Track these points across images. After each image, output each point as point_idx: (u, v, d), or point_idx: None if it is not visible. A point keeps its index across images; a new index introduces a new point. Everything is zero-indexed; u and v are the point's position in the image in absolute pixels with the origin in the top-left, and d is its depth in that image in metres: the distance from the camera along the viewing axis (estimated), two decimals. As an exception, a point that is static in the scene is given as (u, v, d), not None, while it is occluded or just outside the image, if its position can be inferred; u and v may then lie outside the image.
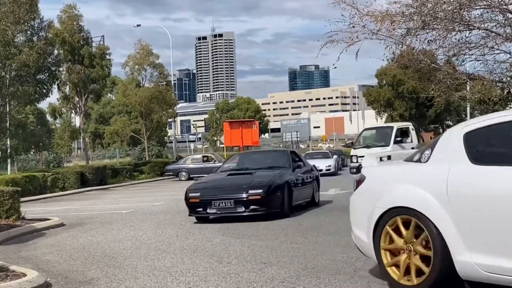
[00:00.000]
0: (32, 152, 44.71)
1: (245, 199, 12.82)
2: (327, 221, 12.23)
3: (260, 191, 12.81)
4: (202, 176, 16.68)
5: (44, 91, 23.20)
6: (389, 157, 19.63)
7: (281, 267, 7.67)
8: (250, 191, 12.86)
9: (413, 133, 21.42)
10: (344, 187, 20.53)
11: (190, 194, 13.44)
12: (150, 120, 46.08)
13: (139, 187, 31.70)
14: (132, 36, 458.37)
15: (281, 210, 13.13)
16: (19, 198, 14.30)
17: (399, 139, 20.72)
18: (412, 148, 20.57)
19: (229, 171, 15.03)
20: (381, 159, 19.98)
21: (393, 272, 5.98)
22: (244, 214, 12.80)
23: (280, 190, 13.17)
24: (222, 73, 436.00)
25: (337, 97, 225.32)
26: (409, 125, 22.54)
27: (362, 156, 20.50)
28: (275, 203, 13.02)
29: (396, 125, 21.81)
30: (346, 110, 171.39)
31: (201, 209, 13.14)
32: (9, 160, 29.47)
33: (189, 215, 13.58)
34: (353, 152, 22.43)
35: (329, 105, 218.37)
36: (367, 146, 21.76)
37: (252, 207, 12.77)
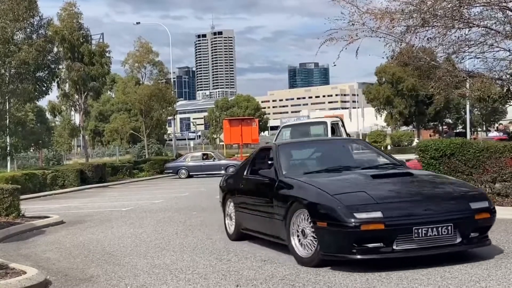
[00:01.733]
0: (31, 150, 44.78)
1: (473, 219, 7.12)
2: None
3: (487, 204, 7.36)
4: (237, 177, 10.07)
5: (44, 88, 23.27)
6: None
7: (280, 264, 7.68)
8: (474, 205, 7.19)
9: (342, 130, 17.99)
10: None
11: (364, 215, 6.75)
12: (150, 117, 46.12)
13: (138, 184, 31.68)
14: (131, 34, 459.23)
15: None
16: (18, 195, 14.32)
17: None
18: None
19: (347, 171, 8.28)
20: None
21: None
22: (459, 248, 7.11)
23: None
24: (222, 71, 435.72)
25: (336, 95, 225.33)
26: (338, 120, 18.70)
27: None
28: None
29: (330, 120, 18.16)
30: (345, 108, 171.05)
31: (381, 243, 6.78)
32: (8, 158, 29.53)
33: (347, 256, 6.90)
34: None
35: (329, 102, 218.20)
36: None
37: (473, 234, 7.17)
